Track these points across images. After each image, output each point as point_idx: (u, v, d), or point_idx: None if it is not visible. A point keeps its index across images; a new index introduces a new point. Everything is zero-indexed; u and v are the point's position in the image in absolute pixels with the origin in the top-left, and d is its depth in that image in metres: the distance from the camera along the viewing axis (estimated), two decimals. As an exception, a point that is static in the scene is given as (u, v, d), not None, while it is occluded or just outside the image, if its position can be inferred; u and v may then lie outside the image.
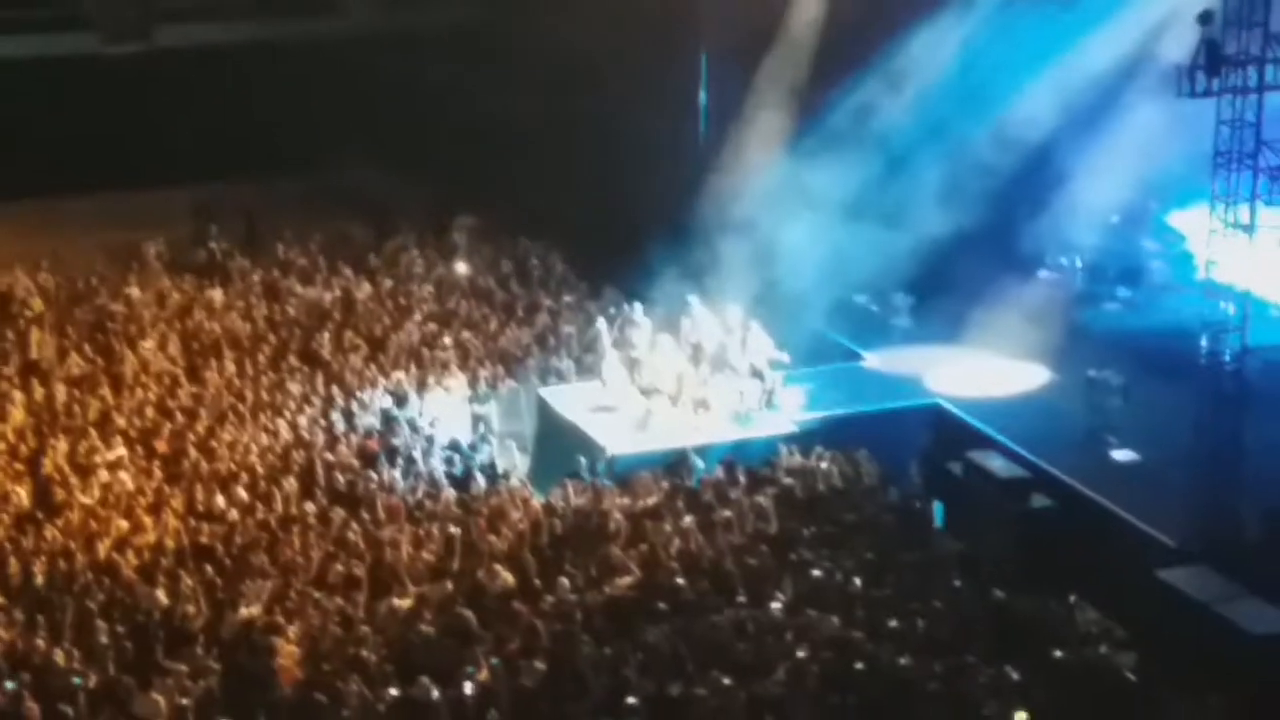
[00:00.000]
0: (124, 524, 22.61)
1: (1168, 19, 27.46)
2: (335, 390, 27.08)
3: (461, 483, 24.24)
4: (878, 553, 21.95)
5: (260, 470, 24.19)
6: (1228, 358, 22.11)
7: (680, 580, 21.03)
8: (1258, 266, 22.59)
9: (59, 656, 19.18)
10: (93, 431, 25.34)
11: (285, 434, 25.47)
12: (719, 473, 24.22)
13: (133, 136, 35.80)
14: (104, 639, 19.65)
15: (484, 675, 18.96)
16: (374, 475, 24.04)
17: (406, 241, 34.44)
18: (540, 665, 19.09)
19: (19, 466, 24.60)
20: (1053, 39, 29.85)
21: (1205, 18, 21.50)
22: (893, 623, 20.14)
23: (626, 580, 21.23)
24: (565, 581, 20.96)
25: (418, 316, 30.35)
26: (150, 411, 26.24)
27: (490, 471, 24.78)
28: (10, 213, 34.26)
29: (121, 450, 24.83)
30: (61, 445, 24.84)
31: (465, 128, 36.08)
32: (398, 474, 24.30)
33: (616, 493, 23.67)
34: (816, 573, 21.35)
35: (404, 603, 20.70)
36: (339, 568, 21.42)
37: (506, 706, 18.41)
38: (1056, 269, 32.34)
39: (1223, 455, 21.99)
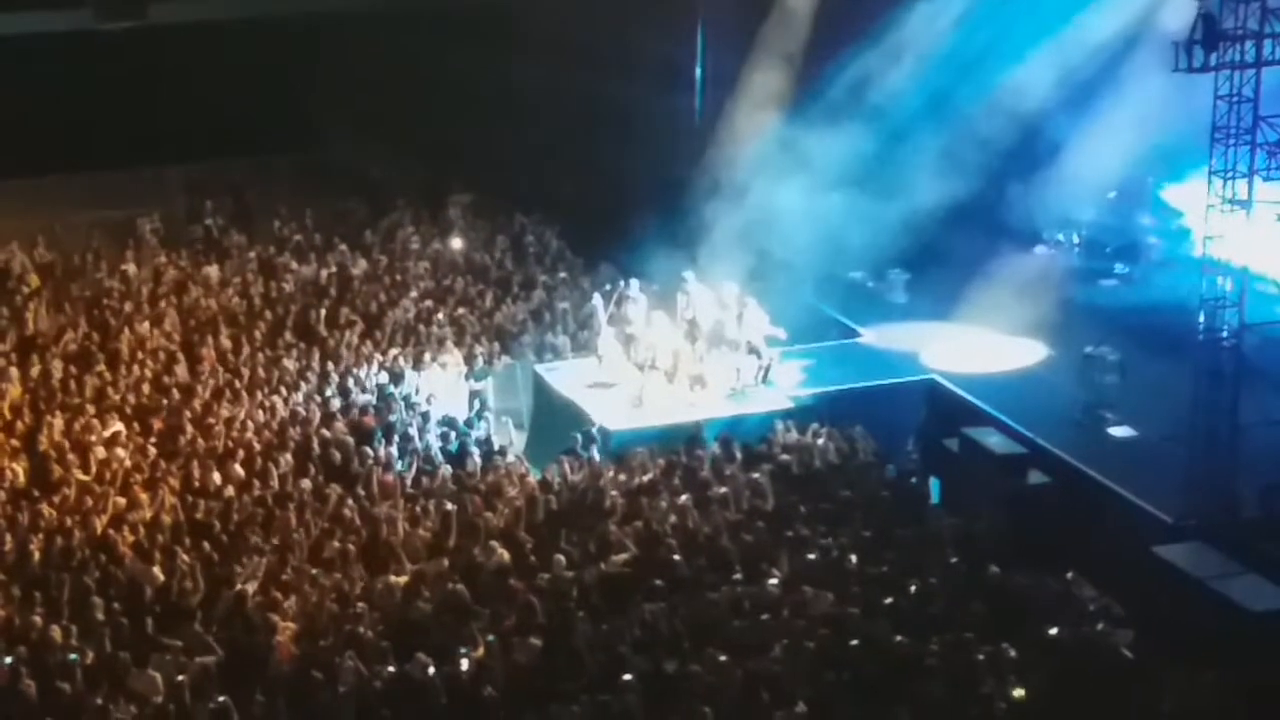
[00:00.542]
0: (120, 500, 22.59)
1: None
2: (331, 367, 27.07)
3: (457, 459, 24.22)
4: (874, 529, 21.93)
5: (256, 447, 24.18)
6: (1225, 334, 22.08)
7: (676, 557, 21.01)
8: (1255, 242, 22.54)
9: (55, 633, 19.15)
10: (89, 408, 25.32)
11: (281, 411, 25.46)
12: (715, 449, 24.20)
13: (127, 113, 35.68)
14: (100, 615, 19.63)
15: (480, 652, 18.96)
16: (370, 452, 24.02)
17: (402, 218, 34.41)
18: (536, 642, 19.09)
19: (15, 443, 24.57)
20: (1052, 12, 29.78)
21: (1202, -9, 21.45)
22: (889, 599, 20.14)
23: (623, 557, 21.22)
24: (561, 558, 20.94)
25: (413, 293, 30.34)
26: (147, 388, 26.23)
27: (486, 448, 24.75)
28: (6, 189, 34.17)
29: (118, 426, 24.81)
30: (58, 422, 24.80)
31: (460, 103, 35.99)
32: (394, 451, 24.27)
33: (613, 469, 23.65)
34: (813, 550, 21.34)
35: (400, 580, 20.69)
36: (335, 544, 21.42)
37: (502, 683, 18.41)
38: (1053, 245, 32.34)
39: (1220, 432, 21.98)
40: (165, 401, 25.70)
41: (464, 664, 18.77)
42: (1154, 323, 27.43)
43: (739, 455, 23.98)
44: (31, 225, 32.96)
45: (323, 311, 29.34)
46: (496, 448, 24.92)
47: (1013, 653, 18.90)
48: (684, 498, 22.58)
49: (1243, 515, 21.91)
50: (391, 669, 18.64)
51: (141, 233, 33.21)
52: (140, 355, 27.42)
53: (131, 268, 31.32)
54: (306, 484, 23.14)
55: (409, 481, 23.55)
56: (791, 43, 32.03)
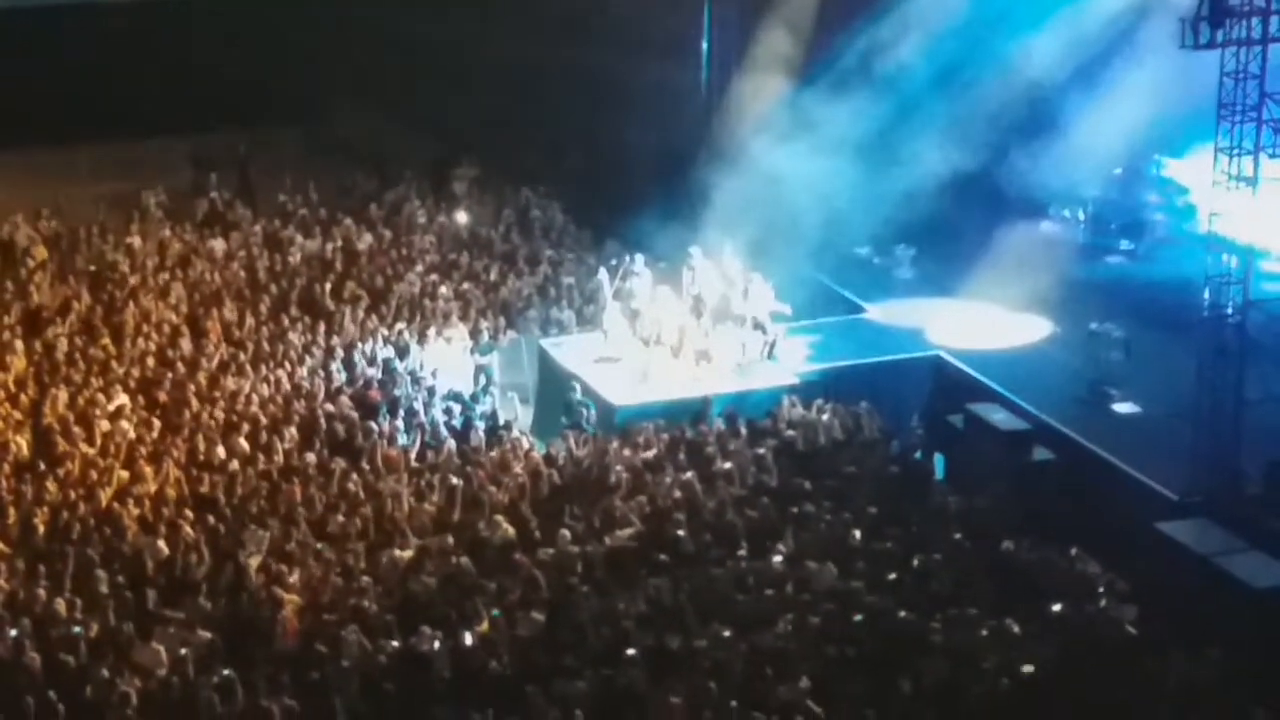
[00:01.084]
0: (125, 474, 22.58)
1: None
2: (336, 341, 27.05)
3: (462, 434, 24.22)
4: (879, 505, 21.93)
5: (261, 420, 24.17)
6: (1230, 311, 22.06)
7: (681, 532, 21.03)
8: (1260, 219, 22.50)
9: (60, 606, 19.18)
10: (94, 381, 25.31)
11: (286, 385, 25.44)
12: (720, 425, 24.19)
13: (131, 85, 35.64)
14: (104, 589, 19.66)
15: (484, 627, 18.98)
16: (375, 426, 24.02)
17: (407, 192, 34.36)
18: (540, 617, 19.11)
19: (19, 416, 24.56)
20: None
21: (1210, -32, 21.36)
22: (893, 575, 20.16)
23: (627, 532, 21.24)
24: (566, 533, 20.96)
25: (419, 267, 30.29)
26: (151, 361, 26.21)
27: (491, 423, 24.77)
28: (10, 161, 34.15)
29: (123, 400, 24.80)
30: (62, 395, 24.79)
31: (467, 77, 35.93)
32: (399, 425, 24.27)
33: (618, 444, 23.65)
34: (818, 525, 21.36)
35: (405, 554, 20.71)
36: (340, 518, 21.43)
37: (507, 657, 18.44)
38: (1059, 221, 32.29)
39: (1224, 408, 21.98)
40: (170, 375, 25.69)
41: (468, 638, 18.79)
42: (1159, 299, 27.44)
43: (744, 431, 23.98)
44: (36, 198, 32.90)
45: (328, 285, 29.31)
46: (501, 422, 24.92)
47: (1016, 629, 18.93)
48: (689, 473, 22.57)
49: (1247, 492, 21.90)
50: (395, 643, 18.68)
51: (146, 205, 33.14)
52: (145, 329, 27.39)
53: (136, 241, 31.28)
54: (311, 458, 23.15)
55: (414, 456, 23.54)
56: (799, 15, 31.93)
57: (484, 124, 35.68)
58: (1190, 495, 21.88)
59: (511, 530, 21.13)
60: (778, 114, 30.30)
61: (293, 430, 23.88)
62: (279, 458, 23.17)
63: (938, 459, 24.67)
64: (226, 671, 18.02)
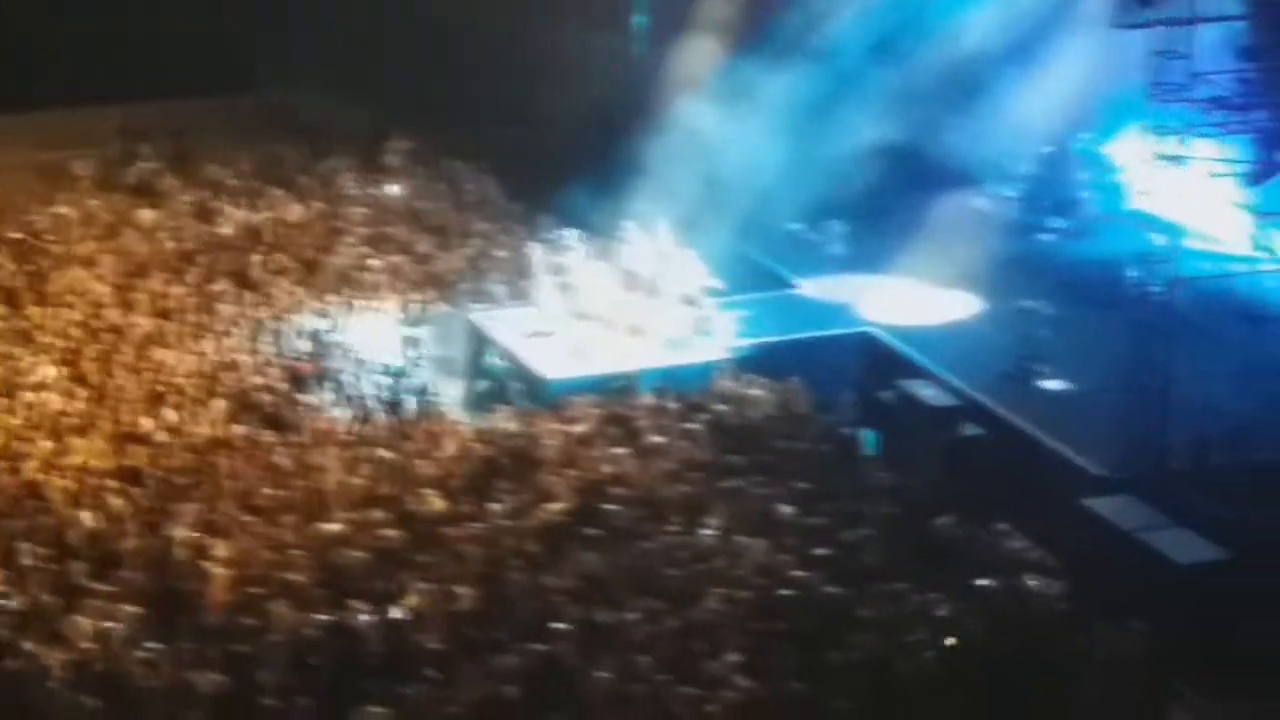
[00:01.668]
0: (50, 445, 22.39)
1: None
2: (265, 312, 26.87)
3: (393, 407, 24.12)
4: (809, 480, 21.98)
5: (189, 392, 23.99)
6: (1158, 288, 22.20)
7: (612, 506, 21.02)
8: (1189, 198, 22.67)
9: (-16, 579, 19.04)
10: (18, 351, 25.05)
11: (214, 356, 25.26)
12: (652, 399, 24.19)
13: (61, 54, 35.32)
14: (29, 561, 19.48)
15: (414, 601, 18.92)
16: (304, 398, 23.87)
17: (339, 164, 34.14)
18: (470, 591, 19.07)
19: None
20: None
21: (1137, -52, 21.47)
22: (823, 550, 20.22)
23: (558, 506, 21.22)
24: (496, 507, 20.91)
25: (350, 239, 30.12)
26: (77, 331, 25.96)
27: (422, 396, 24.67)
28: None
29: (48, 370, 24.56)
30: (-14, 365, 24.58)
31: (401, 48, 35.76)
32: (329, 398, 24.15)
33: (549, 418, 23.61)
34: (748, 500, 21.40)
35: (334, 527, 20.61)
36: (268, 491, 21.31)
37: (436, 632, 18.40)
38: (991, 198, 32.39)
39: (1151, 385, 22.13)
40: (97, 345, 25.45)
41: (398, 612, 18.74)
42: (1088, 277, 27.57)
43: (675, 405, 23.98)
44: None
45: (258, 257, 29.11)
46: (433, 396, 24.82)
47: (944, 604, 19.03)
48: (620, 448, 22.57)
49: (1173, 469, 22.07)
50: (325, 617, 18.59)
51: (75, 175, 32.83)
52: (71, 298, 27.14)
53: (64, 209, 30.98)
54: (240, 430, 23.01)
55: (344, 429, 23.44)
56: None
57: (417, 96, 35.50)
58: (1117, 472, 22.03)
59: (441, 504, 21.07)
60: (712, 87, 30.30)
61: (221, 402, 23.72)
62: (207, 429, 23.00)
63: (868, 435, 24.73)
64: (152, 645, 17.89)
